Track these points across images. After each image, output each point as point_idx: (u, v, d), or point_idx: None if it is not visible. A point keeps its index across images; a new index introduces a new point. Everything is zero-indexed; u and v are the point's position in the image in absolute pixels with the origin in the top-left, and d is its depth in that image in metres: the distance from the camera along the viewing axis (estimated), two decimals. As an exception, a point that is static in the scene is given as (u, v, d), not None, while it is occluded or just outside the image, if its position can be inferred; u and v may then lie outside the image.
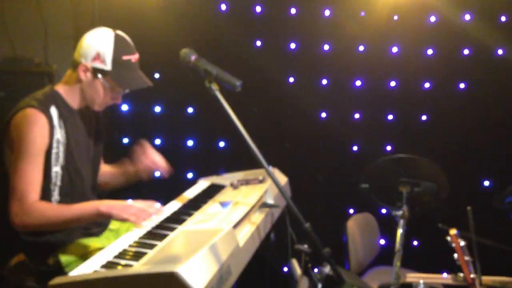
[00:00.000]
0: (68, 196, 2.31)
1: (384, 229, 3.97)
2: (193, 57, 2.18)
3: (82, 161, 2.40)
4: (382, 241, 4.09)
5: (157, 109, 4.20)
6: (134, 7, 3.98)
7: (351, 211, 4.28)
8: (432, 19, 4.21)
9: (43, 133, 2.19)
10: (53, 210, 2.18)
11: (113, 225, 2.61)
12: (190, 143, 4.26)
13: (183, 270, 1.52)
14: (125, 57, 2.30)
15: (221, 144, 4.29)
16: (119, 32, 2.35)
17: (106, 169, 2.76)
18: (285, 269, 4.21)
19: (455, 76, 4.25)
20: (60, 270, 2.24)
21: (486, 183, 4.29)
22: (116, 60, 2.27)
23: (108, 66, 2.27)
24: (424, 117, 4.29)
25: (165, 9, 4.00)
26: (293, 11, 4.21)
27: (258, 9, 4.19)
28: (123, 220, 2.15)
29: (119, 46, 2.29)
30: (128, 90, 2.38)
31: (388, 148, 4.24)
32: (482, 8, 4.14)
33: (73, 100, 2.36)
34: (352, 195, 4.23)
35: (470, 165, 4.20)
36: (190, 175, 4.21)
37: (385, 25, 4.15)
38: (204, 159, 4.22)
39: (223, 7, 4.15)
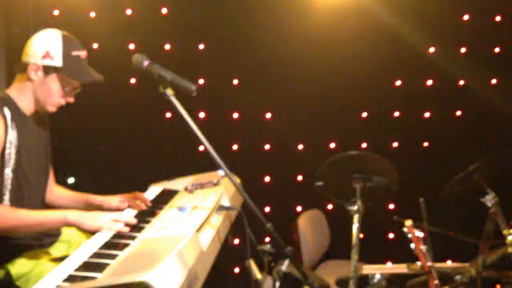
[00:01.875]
0: (17, 203, 2.23)
1: (332, 224, 4.08)
2: (145, 63, 2.17)
3: (31, 169, 2.33)
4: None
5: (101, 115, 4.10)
6: (72, 14, 3.88)
7: (299, 208, 4.35)
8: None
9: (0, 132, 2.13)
10: (15, 214, 2.12)
11: (64, 236, 2.54)
12: (135, 149, 4.19)
13: (152, 278, 1.49)
14: (74, 53, 2.30)
15: (167, 148, 4.24)
16: (65, 32, 2.35)
17: (63, 193, 2.72)
18: (236, 270, 4.24)
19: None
20: (11, 283, 2.17)
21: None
22: (66, 55, 2.27)
23: (58, 62, 2.26)
24: (364, 114, 4.43)
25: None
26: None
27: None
28: (93, 230, 2.11)
29: (67, 43, 2.30)
30: (80, 85, 2.36)
31: (332, 145, 4.35)
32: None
33: (25, 104, 2.31)
34: (299, 193, 4.34)
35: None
36: (136, 181, 4.13)
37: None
38: (150, 164, 4.17)
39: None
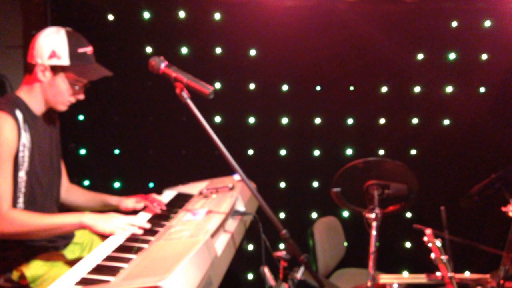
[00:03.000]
0: (30, 205, 2.24)
1: (347, 231, 4.02)
2: (163, 65, 2.16)
3: (44, 170, 2.33)
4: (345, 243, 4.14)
5: (116, 117, 4.09)
6: (89, 15, 3.90)
7: (314, 215, 4.30)
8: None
9: (12, 135, 2.14)
10: (33, 218, 2.13)
11: (78, 238, 2.54)
12: (150, 152, 4.17)
13: (166, 283, 1.47)
14: (80, 50, 2.28)
15: (183, 152, 4.22)
16: (69, 29, 2.32)
17: (79, 192, 2.72)
18: (250, 276, 4.20)
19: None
20: (25, 286, 2.17)
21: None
22: (72, 53, 2.25)
23: (66, 61, 2.24)
24: (382, 120, 4.37)
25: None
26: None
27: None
28: (107, 233, 2.10)
29: (73, 40, 2.27)
30: (89, 81, 2.35)
31: (349, 152, 4.29)
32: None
33: (36, 105, 2.30)
34: (314, 199, 4.29)
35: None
36: (151, 185, 4.12)
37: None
38: (165, 168, 4.15)
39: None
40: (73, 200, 2.69)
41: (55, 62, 2.23)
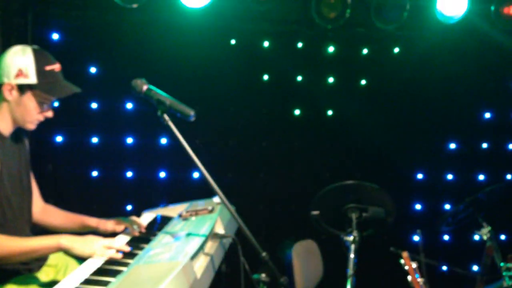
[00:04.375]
0: (2, 228, 2.18)
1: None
2: (144, 87, 2.17)
3: (13, 190, 2.28)
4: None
5: (94, 139, 4.08)
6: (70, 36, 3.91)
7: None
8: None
9: None
10: (9, 242, 2.09)
11: (52, 260, 2.49)
12: (129, 174, 4.16)
13: (147, 306, 1.46)
14: (48, 68, 2.24)
15: (162, 175, 4.21)
16: (36, 47, 2.29)
17: (56, 212, 2.67)
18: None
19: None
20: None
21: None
22: (40, 72, 2.21)
23: (33, 80, 2.20)
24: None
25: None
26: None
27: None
28: (85, 255, 2.07)
29: (40, 58, 2.23)
30: (58, 99, 2.32)
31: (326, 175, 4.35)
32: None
33: (3, 125, 2.26)
34: (292, 222, 4.31)
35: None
36: (129, 207, 4.10)
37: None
38: (143, 190, 4.14)
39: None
40: (50, 221, 2.63)
41: (22, 81, 2.19)
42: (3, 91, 2.20)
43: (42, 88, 2.22)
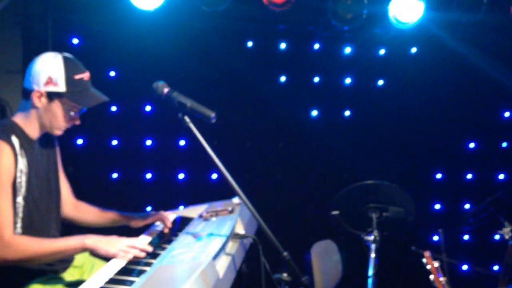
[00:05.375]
0: (29, 230, 2.24)
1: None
2: (166, 90, 2.20)
3: (41, 193, 2.33)
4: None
5: (114, 142, 4.13)
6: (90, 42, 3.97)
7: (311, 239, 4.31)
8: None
9: (9, 162, 2.14)
10: (36, 243, 2.13)
11: (77, 261, 2.53)
12: (148, 176, 4.20)
13: (171, 305, 1.49)
14: (77, 76, 2.27)
15: (180, 176, 4.25)
16: (66, 54, 2.31)
17: (88, 209, 2.71)
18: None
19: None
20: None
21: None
22: (69, 80, 2.23)
23: (62, 88, 2.23)
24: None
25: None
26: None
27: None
28: (109, 255, 2.10)
29: (70, 67, 2.26)
30: (86, 108, 2.34)
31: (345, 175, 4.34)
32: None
33: (32, 130, 2.30)
34: (311, 223, 4.32)
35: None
36: (148, 209, 4.13)
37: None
38: (162, 192, 4.18)
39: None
40: (83, 217, 2.69)
41: (51, 88, 2.22)
42: (33, 97, 2.23)
43: (71, 96, 2.25)
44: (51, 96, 2.23)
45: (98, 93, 2.35)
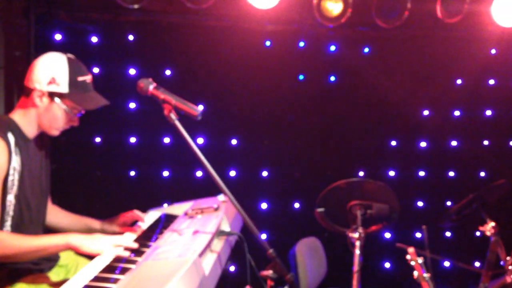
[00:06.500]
0: (18, 229, 2.22)
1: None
2: (151, 87, 2.19)
3: (33, 192, 2.32)
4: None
5: (97, 139, 4.10)
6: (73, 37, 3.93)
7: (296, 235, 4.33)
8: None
9: (3, 159, 2.12)
10: (20, 240, 2.11)
11: (63, 260, 2.52)
12: (132, 173, 4.18)
13: (157, 302, 1.48)
14: (80, 78, 2.27)
15: (165, 174, 4.23)
16: (70, 55, 2.31)
17: (62, 215, 2.70)
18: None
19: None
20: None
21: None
22: (72, 82, 2.23)
23: (64, 89, 2.22)
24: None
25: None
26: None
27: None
28: (94, 253, 2.09)
29: (73, 68, 2.25)
30: (85, 110, 2.34)
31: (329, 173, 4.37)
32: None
33: (29, 128, 2.29)
34: (296, 219, 4.34)
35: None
36: (133, 207, 4.10)
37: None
38: (147, 190, 4.15)
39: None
40: (56, 222, 2.66)
41: (53, 89, 2.21)
42: (33, 96, 2.22)
43: (73, 98, 2.25)
44: (52, 96, 2.23)
45: (99, 97, 2.35)
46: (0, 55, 3.92)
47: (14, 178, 2.18)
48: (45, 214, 2.49)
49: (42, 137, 2.42)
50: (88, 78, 2.32)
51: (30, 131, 2.30)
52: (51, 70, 2.21)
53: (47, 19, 3.90)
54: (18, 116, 2.29)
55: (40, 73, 2.22)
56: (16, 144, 2.21)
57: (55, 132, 2.34)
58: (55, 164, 3.90)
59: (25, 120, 2.27)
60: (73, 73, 2.25)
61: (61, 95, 2.23)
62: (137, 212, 2.74)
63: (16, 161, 2.19)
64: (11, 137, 2.19)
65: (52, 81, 2.21)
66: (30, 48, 3.81)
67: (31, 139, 2.32)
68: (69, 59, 2.27)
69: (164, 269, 1.83)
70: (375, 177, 2.70)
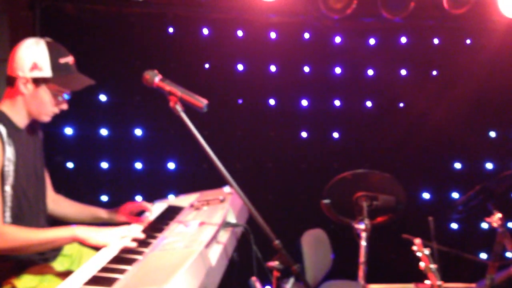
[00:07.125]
0: (18, 219, 2.22)
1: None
2: (157, 79, 2.18)
3: (29, 182, 2.32)
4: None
5: (103, 132, 4.11)
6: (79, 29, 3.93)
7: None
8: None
9: None
10: (26, 233, 2.12)
11: (66, 250, 2.52)
12: (138, 165, 4.19)
13: (165, 293, 1.49)
14: (62, 60, 2.25)
15: (171, 166, 4.24)
16: (48, 39, 2.29)
17: (68, 204, 2.70)
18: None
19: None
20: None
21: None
22: (54, 64, 2.22)
23: (48, 73, 2.21)
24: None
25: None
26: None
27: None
28: (101, 245, 2.10)
29: (54, 51, 2.24)
30: (70, 91, 2.32)
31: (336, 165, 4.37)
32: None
33: (19, 118, 2.28)
34: (301, 211, 4.34)
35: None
36: (139, 199, 4.12)
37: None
38: (152, 182, 4.17)
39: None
40: (62, 211, 2.67)
41: (37, 74, 2.19)
42: (18, 84, 2.21)
43: (57, 81, 2.23)
44: (37, 81, 2.21)
45: (83, 77, 2.33)
46: (5, 47, 3.94)
47: (9, 169, 2.18)
48: (45, 202, 2.49)
49: (34, 126, 2.41)
50: (70, 59, 2.30)
51: (20, 120, 2.29)
52: (32, 56, 2.19)
53: (52, 11, 3.89)
54: (6, 107, 2.27)
55: (21, 60, 2.19)
56: (9, 135, 2.20)
57: (45, 118, 2.33)
58: (59, 156, 3.98)
59: (14, 110, 2.26)
60: (54, 56, 2.23)
61: (45, 80, 2.22)
62: (144, 203, 2.74)
63: (10, 152, 2.19)
64: (2, 128, 2.18)
65: (34, 67, 2.19)
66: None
67: (22, 128, 2.31)
68: (47, 43, 2.25)
69: (171, 260, 1.84)
70: (382, 168, 2.70)
